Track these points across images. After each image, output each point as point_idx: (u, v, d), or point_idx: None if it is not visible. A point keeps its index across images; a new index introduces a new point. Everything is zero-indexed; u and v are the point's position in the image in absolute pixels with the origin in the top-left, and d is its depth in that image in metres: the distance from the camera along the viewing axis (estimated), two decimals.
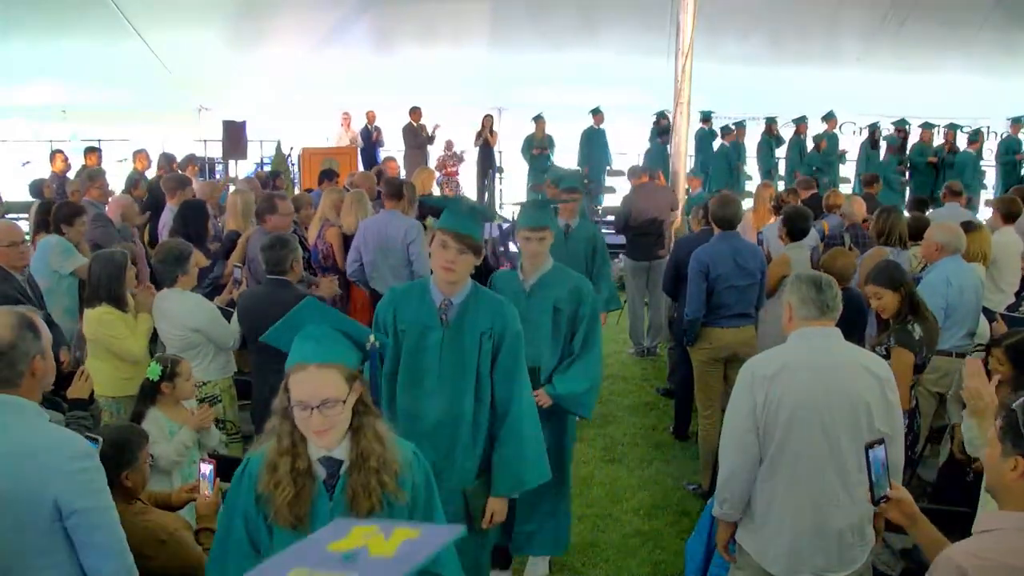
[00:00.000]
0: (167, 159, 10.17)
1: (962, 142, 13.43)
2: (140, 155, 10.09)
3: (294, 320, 2.22)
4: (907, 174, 13.03)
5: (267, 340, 2.25)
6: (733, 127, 13.51)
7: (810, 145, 13.59)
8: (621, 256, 8.33)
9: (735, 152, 13.54)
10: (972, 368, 2.92)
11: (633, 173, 8.44)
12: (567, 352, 3.88)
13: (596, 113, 13.55)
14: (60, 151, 9.92)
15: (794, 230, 5.47)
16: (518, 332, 3.10)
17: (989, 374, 3.64)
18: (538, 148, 13.55)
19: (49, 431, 2.25)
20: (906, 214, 7.59)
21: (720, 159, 13.34)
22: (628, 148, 14.43)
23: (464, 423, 3.06)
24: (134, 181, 8.84)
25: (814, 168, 12.47)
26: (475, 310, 3.05)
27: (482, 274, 7.62)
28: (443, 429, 3.04)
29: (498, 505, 3.12)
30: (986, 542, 2.00)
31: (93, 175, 7.37)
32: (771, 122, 13.61)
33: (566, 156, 13.92)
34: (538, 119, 13.60)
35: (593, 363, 3.90)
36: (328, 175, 8.56)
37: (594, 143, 13.67)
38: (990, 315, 4.83)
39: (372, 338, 2.25)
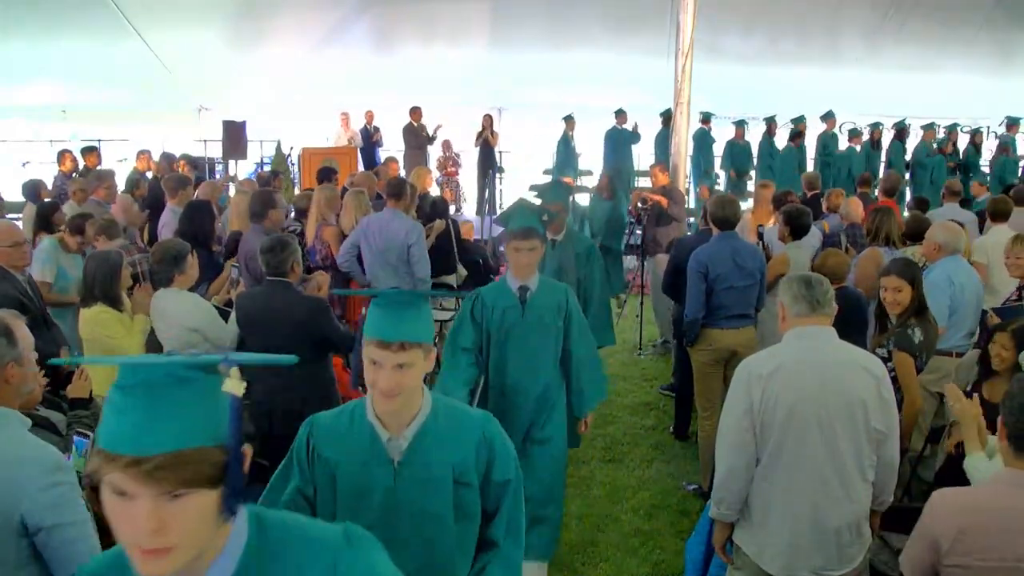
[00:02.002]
0: (167, 159, 10.19)
1: (962, 142, 13.44)
2: (143, 156, 10.10)
3: None
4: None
5: None
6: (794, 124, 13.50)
7: (810, 145, 13.58)
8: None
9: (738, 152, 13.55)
10: (952, 393, 3.09)
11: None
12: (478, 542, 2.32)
13: (620, 114, 13.42)
14: (68, 151, 9.93)
15: (795, 228, 5.48)
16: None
17: (989, 361, 3.65)
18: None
19: (23, 443, 2.18)
20: (906, 214, 7.59)
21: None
22: None
23: None
24: (135, 181, 8.85)
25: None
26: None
27: (481, 275, 7.63)
28: None
29: None
30: (982, 496, 2.22)
31: (102, 175, 7.40)
32: (771, 122, 13.61)
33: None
34: (568, 119, 13.59)
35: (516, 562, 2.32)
36: (326, 174, 8.52)
37: (618, 144, 13.58)
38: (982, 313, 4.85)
39: None
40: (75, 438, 2.66)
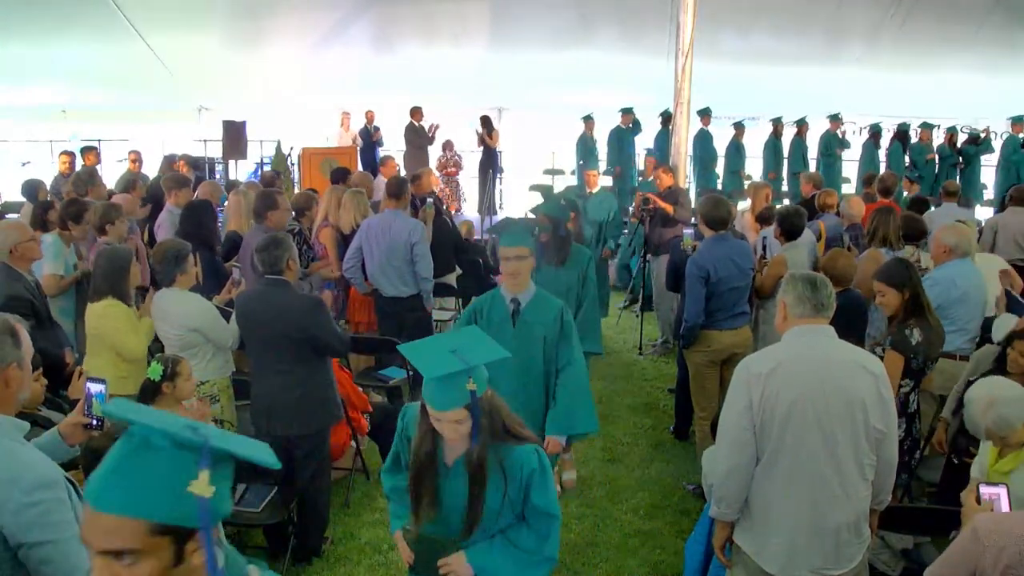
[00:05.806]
0: (167, 159, 10.17)
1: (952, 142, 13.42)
2: (131, 155, 10.07)
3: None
4: None
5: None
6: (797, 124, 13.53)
7: (811, 145, 13.58)
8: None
9: (736, 152, 13.56)
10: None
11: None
12: None
13: (626, 112, 13.31)
14: (66, 152, 9.92)
15: (788, 230, 5.48)
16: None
17: (1005, 368, 3.73)
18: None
19: (12, 456, 2.12)
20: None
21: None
22: None
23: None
24: (131, 182, 8.83)
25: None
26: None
27: (481, 274, 7.60)
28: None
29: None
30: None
31: (92, 173, 7.40)
32: (777, 123, 13.62)
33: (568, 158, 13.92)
34: (588, 119, 13.52)
35: None
36: (341, 174, 8.45)
37: (624, 143, 13.52)
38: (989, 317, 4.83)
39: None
40: (88, 385, 2.62)
